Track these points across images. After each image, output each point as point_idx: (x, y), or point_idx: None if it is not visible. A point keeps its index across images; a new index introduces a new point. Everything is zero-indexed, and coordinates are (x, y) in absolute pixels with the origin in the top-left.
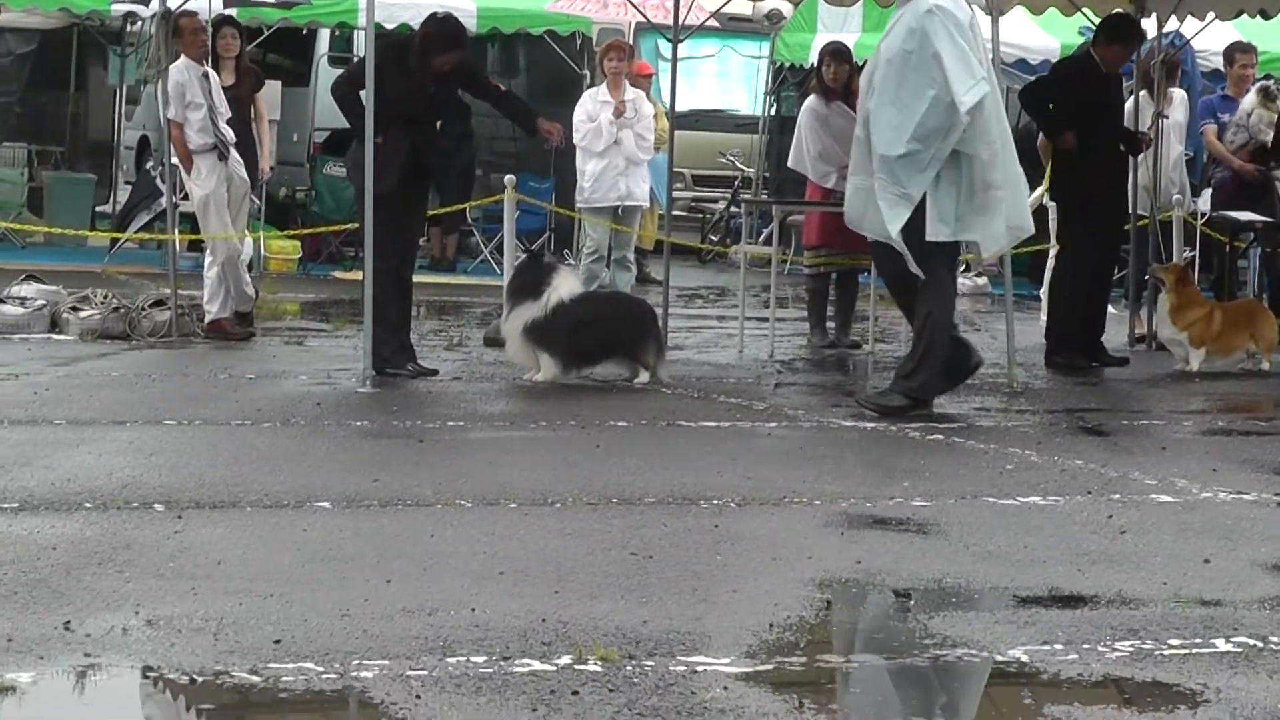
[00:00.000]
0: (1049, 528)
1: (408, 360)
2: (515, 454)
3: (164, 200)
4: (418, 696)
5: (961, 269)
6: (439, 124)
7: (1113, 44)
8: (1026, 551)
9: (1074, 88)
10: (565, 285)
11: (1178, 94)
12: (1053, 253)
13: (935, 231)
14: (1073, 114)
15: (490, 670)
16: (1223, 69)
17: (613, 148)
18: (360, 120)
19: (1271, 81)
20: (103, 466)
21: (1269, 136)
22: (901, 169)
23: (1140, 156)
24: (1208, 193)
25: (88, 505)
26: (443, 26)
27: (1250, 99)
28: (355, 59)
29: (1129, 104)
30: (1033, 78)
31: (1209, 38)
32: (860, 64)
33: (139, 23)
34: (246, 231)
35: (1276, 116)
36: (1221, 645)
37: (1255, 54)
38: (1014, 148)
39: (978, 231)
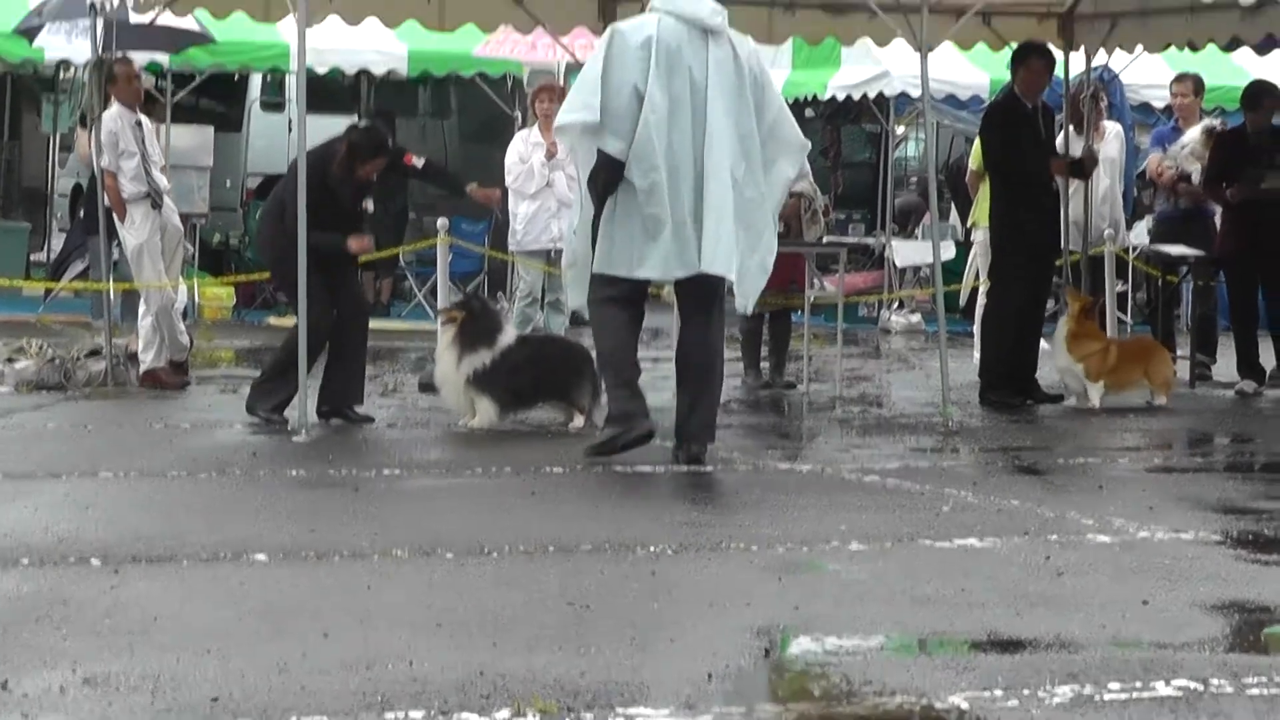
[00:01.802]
0: (986, 570)
1: (346, 405)
2: (451, 502)
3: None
4: None
5: (895, 306)
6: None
7: (1019, 68)
8: (964, 595)
9: (1003, 128)
10: (508, 332)
11: (1111, 128)
12: (984, 289)
13: (600, 263)
14: (1004, 153)
15: None
16: (1168, 102)
17: (545, 190)
18: (280, 253)
19: (1218, 123)
20: (39, 521)
21: (1194, 168)
22: (584, 197)
23: (1071, 190)
24: (1141, 225)
25: (24, 561)
26: (368, 136)
27: (1195, 133)
28: (286, 101)
29: (1059, 139)
30: (963, 112)
31: (1141, 70)
32: (790, 102)
33: (73, 69)
34: (181, 279)
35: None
36: (1162, 689)
37: (1190, 82)
38: (714, 186)
39: (653, 268)
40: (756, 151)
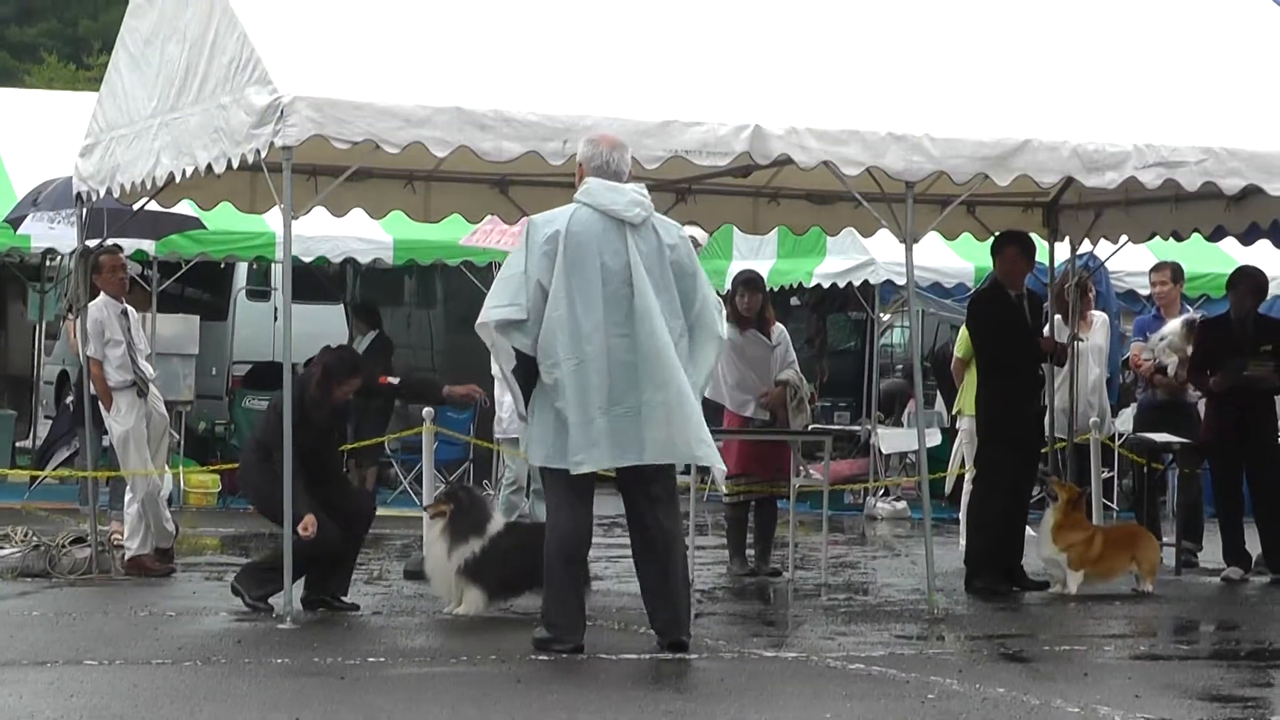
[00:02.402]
0: None
1: (331, 595)
2: (436, 690)
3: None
4: None
5: (881, 493)
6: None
7: (996, 257)
8: None
9: (987, 317)
10: (496, 519)
11: (1099, 317)
12: (969, 476)
13: (531, 455)
14: (988, 341)
15: None
16: (1144, 289)
17: None
18: (267, 495)
19: (1200, 316)
20: (24, 709)
21: (1170, 360)
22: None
23: (1059, 381)
24: (1126, 412)
25: None
26: (342, 357)
27: (1175, 325)
28: (272, 290)
29: (1045, 329)
30: (948, 300)
31: (1126, 259)
32: (775, 290)
33: (58, 259)
34: (166, 467)
35: (1190, 349)
36: None
37: (1168, 270)
38: (664, 372)
39: (563, 459)
40: (684, 343)
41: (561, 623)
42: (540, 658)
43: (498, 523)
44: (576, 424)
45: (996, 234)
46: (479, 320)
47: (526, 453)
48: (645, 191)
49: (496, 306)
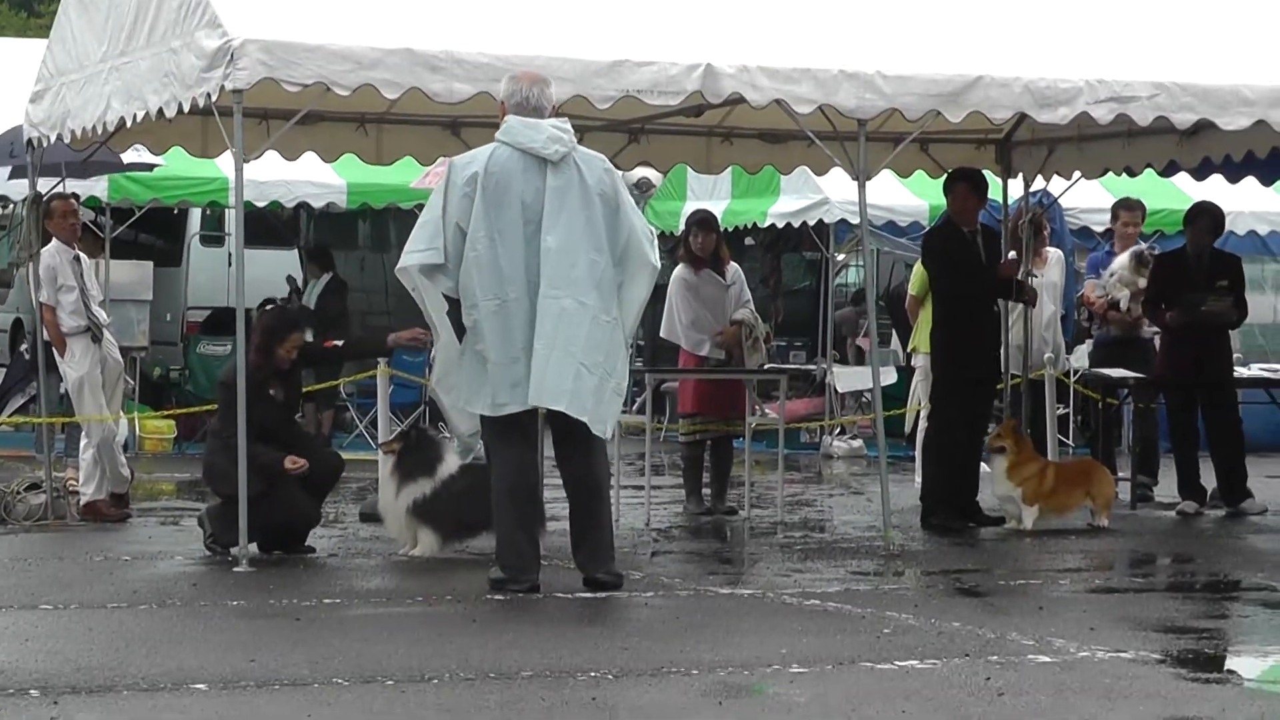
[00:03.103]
0: (927, 692)
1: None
2: (392, 630)
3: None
4: None
5: (837, 432)
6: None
7: (948, 194)
8: (905, 716)
9: (941, 254)
10: (449, 461)
11: (1053, 253)
12: (924, 413)
13: (460, 399)
14: (943, 278)
15: None
16: (1108, 226)
17: None
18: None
19: (1146, 248)
20: None
21: (1122, 294)
22: (437, 327)
23: (1014, 317)
24: (1081, 349)
25: None
26: (278, 315)
27: (1124, 259)
28: (226, 235)
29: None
30: (903, 238)
31: (1080, 195)
32: (730, 230)
33: (10, 205)
34: (121, 412)
35: (1140, 281)
36: None
37: (1141, 211)
38: (546, 317)
39: (483, 403)
40: (609, 277)
41: (514, 563)
42: (496, 597)
43: (450, 464)
44: (497, 365)
45: (949, 171)
46: (398, 265)
47: (436, 385)
48: (567, 126)
49: (414, 251)
